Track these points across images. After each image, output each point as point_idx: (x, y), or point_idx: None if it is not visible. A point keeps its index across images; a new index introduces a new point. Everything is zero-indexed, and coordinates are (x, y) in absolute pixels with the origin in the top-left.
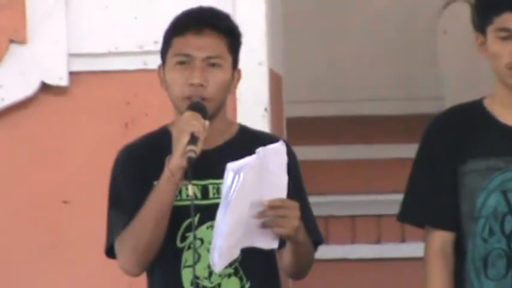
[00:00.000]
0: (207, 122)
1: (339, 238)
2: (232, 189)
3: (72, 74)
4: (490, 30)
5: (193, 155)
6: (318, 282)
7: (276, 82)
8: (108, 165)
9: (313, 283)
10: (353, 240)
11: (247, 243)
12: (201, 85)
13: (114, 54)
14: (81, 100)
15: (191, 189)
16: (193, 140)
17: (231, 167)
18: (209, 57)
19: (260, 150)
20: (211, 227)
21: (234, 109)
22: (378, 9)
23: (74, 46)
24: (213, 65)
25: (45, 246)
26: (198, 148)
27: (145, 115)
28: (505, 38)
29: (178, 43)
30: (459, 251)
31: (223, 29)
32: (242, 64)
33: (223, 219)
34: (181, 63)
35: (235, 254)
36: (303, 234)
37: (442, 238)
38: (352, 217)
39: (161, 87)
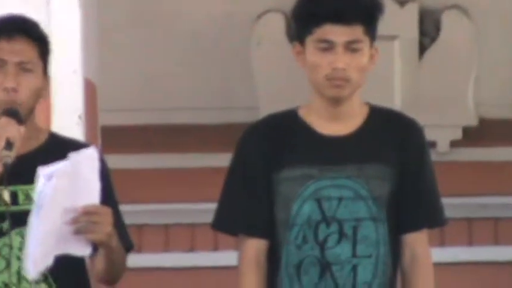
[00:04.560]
0: (22, 128)
1: (153, 246)
2: (44, 194)
3: None
4: (310, 40)
5: (8, 160)
6: None
7: (90, 90)
8: None
9: None
10: (166, 249)
11: (61, 251)
12: (14, 89)
13: None
14: None
15: (7, 195)
16: (8, 145)
17: (43, 172)
18: (22, 62)
19: (72, 155)
20: (20, 233)
21: (49, 116)
22: (193, 20)
23: None
24: (25, 70)
25: None
26: (13, 153)
27: None
28: (324, 49)
29: None
30: (274, 258)
31: (34, 36)
32: (57, 72)
33: (36, 226)
34: None
35: (49, 261)
36: (116, 240)
37: (255, 246)
38: (166, 225)
39: None
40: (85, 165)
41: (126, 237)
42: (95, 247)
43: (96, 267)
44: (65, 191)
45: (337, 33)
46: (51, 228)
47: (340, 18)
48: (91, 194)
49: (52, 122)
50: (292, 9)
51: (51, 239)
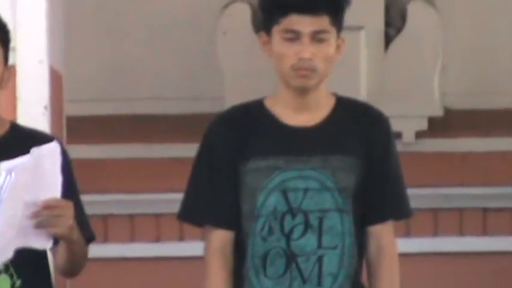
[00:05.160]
0: None
1: (118, 236)
2: (4, 188)
3: None
4: (276, 30)
5: None
6: (97, 281)
7: (56, 80)
8: None
9: (92, 282)
10: (132, 239)
11: (21, 244)
12: None
13: None
14: None
15: None
16: None
17: (4, 166)
18: None
19: (34, 150)
20: None
21: (14, 107)
22: (160, 9)
23: None
24: None
25: None
26: None
27: None
28: (291, 40)
29: None
30: (240, 249)
31: None
32: (23, 62)
33: None
34: None
35: (9, 254)
36: (77, 233)
37: (221, 237)
38: (131, 216)
39: None
40: (47, 159)
41: (88, 229)
42: (56, 240)
43: (57, 260)
44: (26, 185)
45: (303, 23)
46: (11, 221)
47: (307, 8)
48: (52, 188)
49: (18, 113)
50: (258, 0)
51: (12, 232)
